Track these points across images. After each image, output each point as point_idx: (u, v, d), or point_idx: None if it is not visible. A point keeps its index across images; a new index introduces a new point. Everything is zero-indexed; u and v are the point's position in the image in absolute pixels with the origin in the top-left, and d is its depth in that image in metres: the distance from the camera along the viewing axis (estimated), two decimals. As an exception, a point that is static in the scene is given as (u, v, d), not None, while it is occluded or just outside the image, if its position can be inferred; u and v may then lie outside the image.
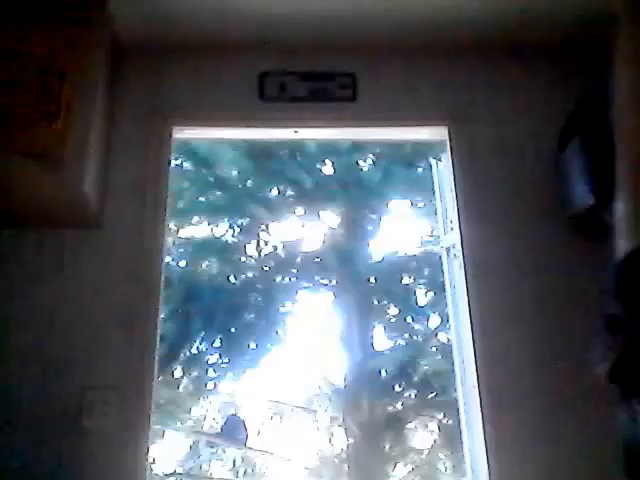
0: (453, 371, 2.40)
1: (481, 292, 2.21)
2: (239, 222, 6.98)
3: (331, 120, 2.46)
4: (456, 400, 2.41)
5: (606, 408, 2.22)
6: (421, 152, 5.93)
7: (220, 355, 6.84)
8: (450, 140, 2.42)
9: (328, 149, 6.29)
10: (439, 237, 2.63)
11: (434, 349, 6.56)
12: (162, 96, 2.42)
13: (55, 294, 2.14)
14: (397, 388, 6.57)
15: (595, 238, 2.24)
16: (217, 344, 6.77)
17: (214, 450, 6.70)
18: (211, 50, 2.43)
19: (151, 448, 2.09)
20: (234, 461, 6.72)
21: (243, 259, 7.06)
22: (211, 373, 6.91)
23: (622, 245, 0.91)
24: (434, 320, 6.71)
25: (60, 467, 1.95)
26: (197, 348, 6.78)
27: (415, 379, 6.49)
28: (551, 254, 2.26)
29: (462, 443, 2.30)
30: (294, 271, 7.02)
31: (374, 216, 7.00)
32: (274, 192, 6.79)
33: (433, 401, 6.52)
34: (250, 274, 7.00)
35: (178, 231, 6.67)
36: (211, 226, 6.95)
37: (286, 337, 6.86)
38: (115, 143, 2.32)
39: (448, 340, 5.85)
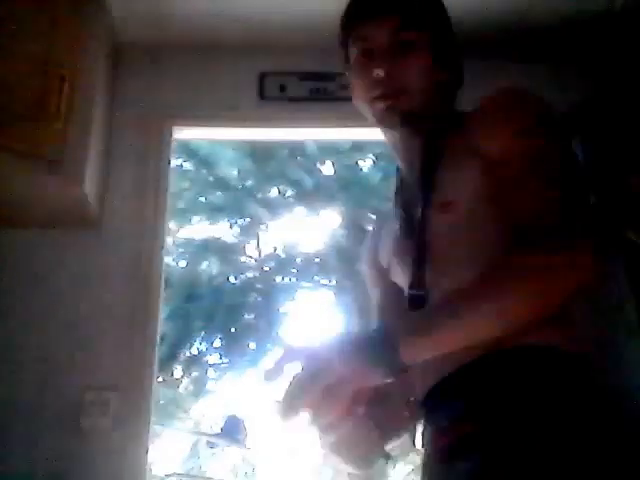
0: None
1: (481, 292, 2.20)
2: (239, 222, 6.98)
3: (331, 120, 2.46)
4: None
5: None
6: (421, 152, 5.92)
7: (220, 355, 6.84)
8: (450, 140, 2.42)
9: (328, 149, 6.29)
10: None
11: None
12: (162, 96, 2.42)
13: (55, 294, 2.14)
14: (397, 388, 6.57)
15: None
16: (217, 344, 6.77)
17: (214, 450, 6.69)
18: (211, 50, 2.43)
19: (151, 448, 2.09)
20: (234, 461, 6.71)
21: (243, 259, 7.06)
22: (211, 373, 6.90)
23: None
24: (434, 320, 6.70)
25: (59, 467, 1.95)
26: (197, 348, 6.77)
27: (415, 379, 6.48)
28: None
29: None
30: (294, 271, 7.01)
31: (374, 216, 6.99)
32: (274, 192, 6.79)
33: (433, 401, 6.51)
34: (250, 274, 7.00)
35: (178, 231, 6.67)
36: (211, 226, 6.95)
37: (286, 337, 6.86)
38: (115, 143, 2.32)
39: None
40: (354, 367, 0.84)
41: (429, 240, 1.03)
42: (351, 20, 1.14)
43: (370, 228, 1.37)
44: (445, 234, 1.01)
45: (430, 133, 1.11)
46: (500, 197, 0.97)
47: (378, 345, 0.85)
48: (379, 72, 1.06)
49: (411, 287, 1.04)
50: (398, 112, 1.08)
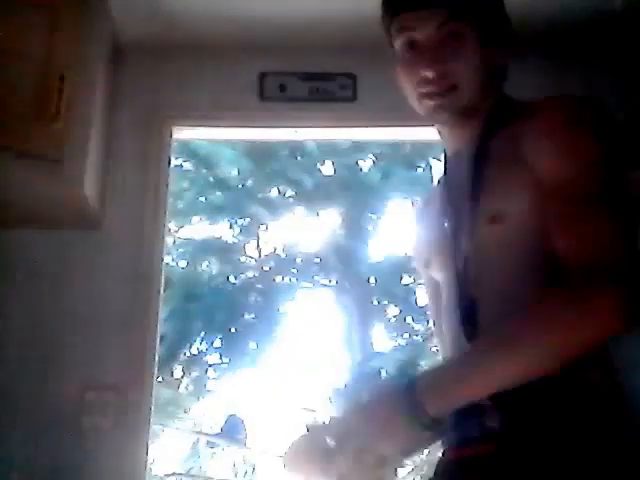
0: (453, 371, 2.39)
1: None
2: (239, 222, 6.99)
3: (331, 120, 2.45)
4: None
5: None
6: (421, 152, 5.94)
7: (220, 355, 6.85)
8: (450, 140, 2.42)
9: (328, 149, 6.30)
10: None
11: (434, 349, 6.56)
12: (162, 96, 2.42)
13: (55, 294, 2.14)
14: (397, 388, 6.56)
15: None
16: (217, 344, 6.78)
17: (214, 450, 6.70)
18: (211, 50, 2.43)
19: (151, 448, 2.09)
20: (234, 461, 6.72)
21: (243, 259, 7.07)
22: (211, 373, 6.91)
23: None
24: (434, 320, 6.70)
25: (60, 467, 1.95)
26: (197, 348, 6.78)
27: (415, 379, 6.48)
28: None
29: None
30: (294, 271, 7.02)
31: (374, 216, 7.00)
32: (274, 192, 6.79)
33: (433, 401, 6.50)
34: (250, 274, 7.00)
35: (178, 231, 6.67)
36: (211, 226, 6.95)
37: (286, 337, 6.87)
38: (115, 143, 2.32)
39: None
40: (384, 427, 0.85)
41: (476, 251, 1.00)
42: (394, 8, 1.10)
43: (413, 219, 1.31)
44: (493, 246, 0.98)
45: (481, 129, 1.09)
46: (545, 222, 0.93)
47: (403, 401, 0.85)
48: (427, 74, 1.05)
49: (461, 300, 1.01)
50: (447, 109, 1.07)
